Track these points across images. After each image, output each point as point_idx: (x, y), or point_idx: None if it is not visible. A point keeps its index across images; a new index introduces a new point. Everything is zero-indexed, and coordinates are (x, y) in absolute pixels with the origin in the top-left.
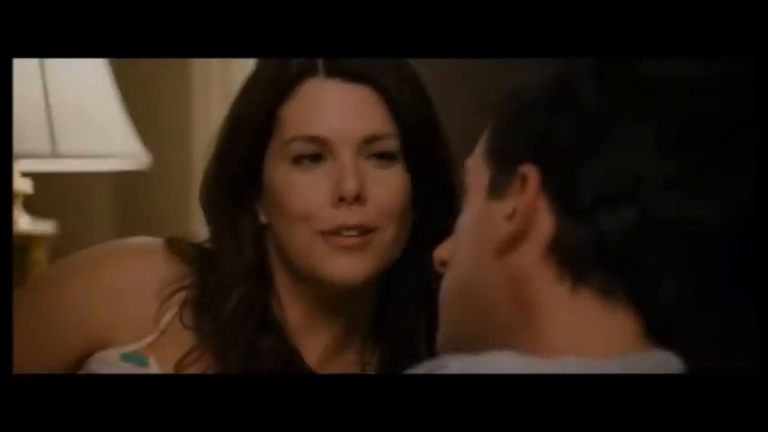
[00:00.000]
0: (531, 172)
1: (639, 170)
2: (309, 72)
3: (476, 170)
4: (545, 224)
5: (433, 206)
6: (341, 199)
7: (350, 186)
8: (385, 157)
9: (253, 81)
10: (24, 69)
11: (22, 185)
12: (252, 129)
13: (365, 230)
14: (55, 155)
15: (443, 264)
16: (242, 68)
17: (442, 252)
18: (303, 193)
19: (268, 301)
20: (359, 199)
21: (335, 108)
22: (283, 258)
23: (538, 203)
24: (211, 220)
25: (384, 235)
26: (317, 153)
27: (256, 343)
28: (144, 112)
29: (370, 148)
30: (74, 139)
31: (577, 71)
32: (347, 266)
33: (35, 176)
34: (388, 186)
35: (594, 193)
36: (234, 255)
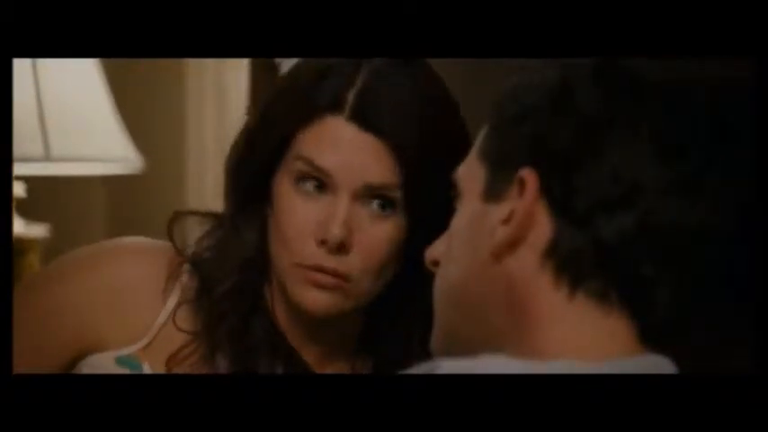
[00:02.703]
0: (529, 175)
1: (638, 175)
2: (335, 109)
3: (470, 172)
4: (543, 229)
5: (429, 241)
6: (323, 242)
7: (335, 232)
8: (386, 207)
9: (282, 96)
10: (17, 73)
11: (15, 189)
12: (270, 144)
13: (340, 276)
14: (48, 159)
15: (435, 264)
16: (236, 72)
17: (434, 252)
18: (295, 222)
19: (262, 292)
20: (342, 247)
21: (346, 150)
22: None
23: (535, 208)
24: (227, 196)
25: (360, 286)
26: (321, 182)
27: (249, 322)
28: (137, 115)
29: (370, 195)
30: (67, 142)
31: (576, 74)
32: (317, 300)
33: (28, 180)
34: (377, 240)
35: (593, 198)
36: (234, 245)
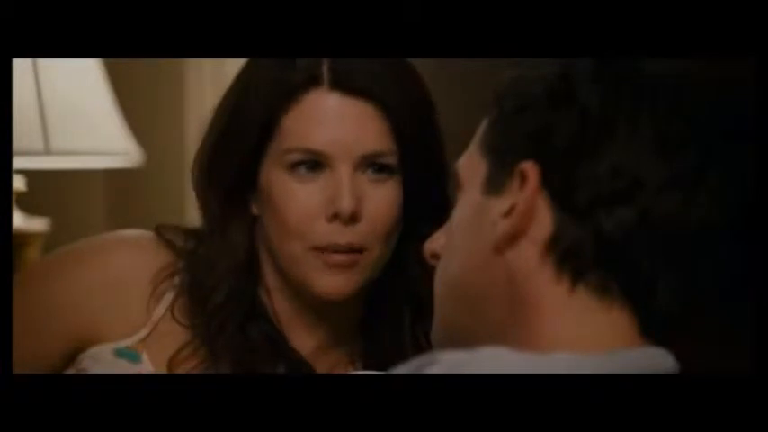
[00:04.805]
0: (530, 169)
1: (638, 170)
2: (314, 82)
3: (471, 164)
4: (544, 222)
5: (424, 213)
6: (335, 216)
7: (345, 205)
8: (383, 171)
9: (255, 81)
10: (17, 67)
11: (15, 183)
12: (251, 132)
13: (355, 250)
14: (48, 152)
15: (435, 256)
16: (235, 66)
17: (433, 244)
18: (298, 206)
19: (256, 292)
20: (353, 218)
21: (336, 122)
22: (272, 258)
23: (536, 201)
24: (202, 207)
25: (372, 254)
26: (315, 161)
27: (246, 329)
28: (137, 109)
29: (368, 163)
30: (67, 136)
31: (578, 70)
32: (334, 283)
33: (28, 174)
34: (382, 204)
35: (593, 193)
36: (223, 249)
